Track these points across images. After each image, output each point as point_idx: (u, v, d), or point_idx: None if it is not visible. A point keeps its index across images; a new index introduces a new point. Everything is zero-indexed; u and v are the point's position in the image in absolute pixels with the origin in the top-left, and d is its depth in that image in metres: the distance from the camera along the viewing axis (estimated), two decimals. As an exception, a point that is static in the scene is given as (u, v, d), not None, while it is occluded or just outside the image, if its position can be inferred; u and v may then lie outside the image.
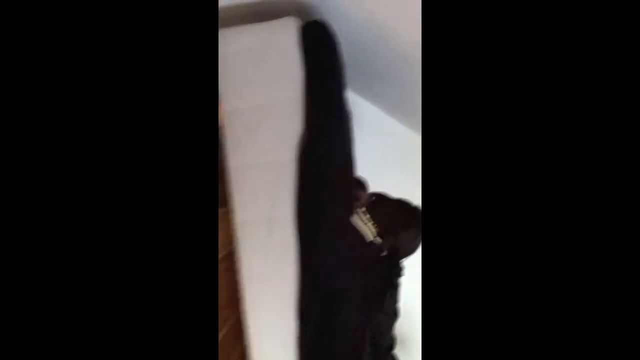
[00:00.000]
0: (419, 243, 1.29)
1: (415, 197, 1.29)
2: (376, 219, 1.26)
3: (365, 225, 1.25)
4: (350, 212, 1.21)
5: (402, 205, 1.33)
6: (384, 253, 1.25)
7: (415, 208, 1.32)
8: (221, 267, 1.23)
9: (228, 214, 1.21)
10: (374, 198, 1.33)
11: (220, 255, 1.24)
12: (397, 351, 1.30)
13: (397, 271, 1.28)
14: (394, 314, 1.27)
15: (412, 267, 1.33)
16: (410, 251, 1.30)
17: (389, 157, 1.95)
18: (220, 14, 1.29)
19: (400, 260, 1.29)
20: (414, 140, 2.01)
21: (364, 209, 1.27)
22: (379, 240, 1.24)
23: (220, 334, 1.21)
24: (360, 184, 1.40)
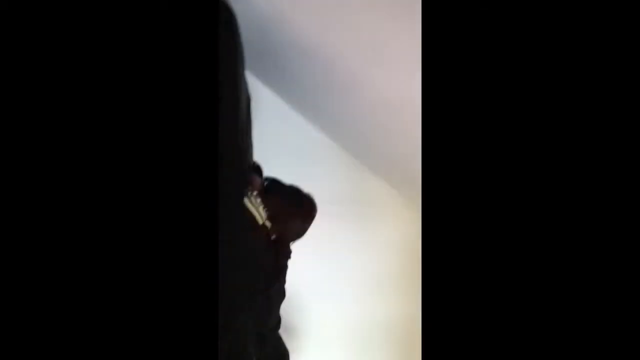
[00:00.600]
0: (306, 229, 1.35)
1: (305, 184, 1.35)
2: (267, 204, 1.28)
3: (255, 209, 1.26)
4: (242, 195, 1.21)
5: (293, 192, 1.37)
6: (273, 237, 1.28)
7: (305, 195, 1.37)
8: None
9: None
10: (266, 183, 1.35)
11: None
12: (284, 337, 1.35)
13: (285, 254, 1.32)
14: (281, 294, 1.31)
15: (299, 251, 1.38)
16: (298, 236, 1.35)
17: (285, 145, 1.99)
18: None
19: (288, 244, 1.33)
20: (308, 129, 2.07)
21: (255, 192, 1.29)
22: (268, 224, 1.27)
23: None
24: (256, 168, 1.41)
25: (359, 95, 1.57)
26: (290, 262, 1.34)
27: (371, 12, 1.13)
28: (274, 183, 1.38)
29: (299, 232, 1.35)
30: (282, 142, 1.95)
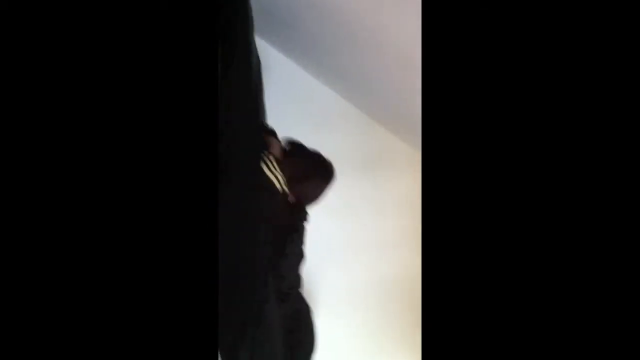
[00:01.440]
0: (323, 194, 1.35)
1: (319, 145, 1.34)
2: (285, 168, 1.29)
3: (274, 175, 1.27)
4: (259, 159, 1.22)
5: (313, 155, 1.35)
6: (291, 199, 1.30)
7: (325, 160, 1.36)
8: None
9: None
10: (288, 146, 1.34)
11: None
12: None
13: (302, 216, 1.34)
14: (299, 255, 1.35)
15: (313, 211, 1.40)
16: (315, 200, 1.35)
17: (297, 108, 1.97)
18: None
19: (305, 207, 1.35)
20: (320, 90, 2.04)
21: (272, 157, 1.30)
22: (286, 188, 1.28)
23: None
24: (270, 132, 1.41)
25: (375, 53, 1.52)
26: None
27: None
28: (294, 145, 1.37)
29: (317, 197, 1.36)
30: (293, 104, 1.94)
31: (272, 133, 1.41)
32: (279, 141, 1.39)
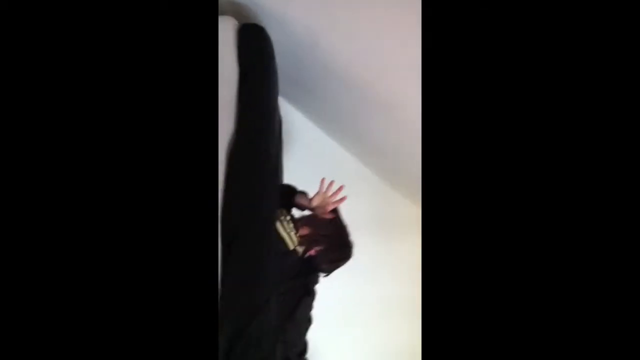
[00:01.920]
0: (339, 263, 1.30)
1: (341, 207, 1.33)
2: (301, 230, 1.26)
3: (287, 234, 1.26)
4: (274, 218, 1.21)
5: (341, 230, 1.30)
6: (303, 262, 1.26)
7: (348, 240, 1.31)
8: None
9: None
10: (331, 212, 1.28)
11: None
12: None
13: (314, 280, 1.30)
14: (307, 321, 1.29)
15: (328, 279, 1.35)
16: (328, 270, 1.30)
17: (316, 167, 2.00)
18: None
19: (318, 271, 1.31)
20: (338, 152, 2.07)
21: (288, 217, 1.28)
22: (299, 249, 1.26)
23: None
24: (292, 190, 1.40)
25: (392, 119, 1.56)
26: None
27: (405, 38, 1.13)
28: (335, 211, 1.30)
29: (331, 267, 1.31)
30: (311, 164, 1.96)
31: (291, 191, 1.40)
32: (306, 198, 1.36)
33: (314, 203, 1.29)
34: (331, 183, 1.27)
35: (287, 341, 1.21)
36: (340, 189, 1.25)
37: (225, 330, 1.06)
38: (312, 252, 1.26)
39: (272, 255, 1.16)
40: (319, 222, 1.28)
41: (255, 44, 1.20)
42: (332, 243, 1.28)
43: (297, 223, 1.27)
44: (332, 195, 1.27)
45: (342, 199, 1.26)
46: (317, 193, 1.28)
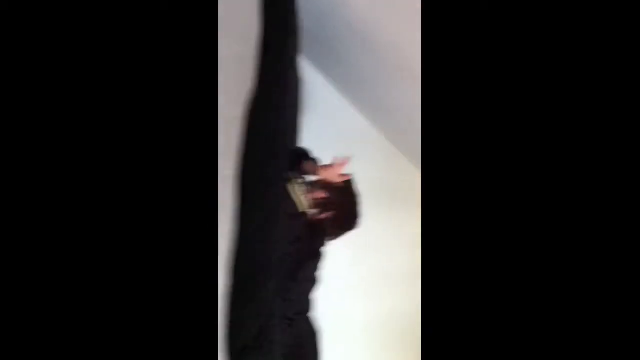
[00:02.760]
0: (344, 232, 1.31)
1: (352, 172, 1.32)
2: (314, 194, 1.26)
3: (298, 196, 1.26)
4: (284, 178, 1.21)
5: (352, 200, 1.31)
6: (311, 224, 1.27)
7: (355, 198, 1.32)
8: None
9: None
10: (344, 180, 1.29)
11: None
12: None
13: (320, 242, 1.32)
14: (312, 282, 1.32)
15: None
16: (334, 236, 1.31)
17: (332, 132, 1.97)
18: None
19: (325, 234, 1.32)
20: (355, 117, 2.04)
21: (300, 180, 1.28)
22: (309, 211, 1.26)
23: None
24: (305, 154, 1.40)
25: (414, 86, 1.53)
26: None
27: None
28: (348, 182, 1.31)
29: (336, 234, 1.32)
30: (329, 127, 1.94)
31: (306, 153, 1.40)
32: (314, 163, 1.37)
33: (320, 174, 1.30)
34: (343, 160, 1.28)
35: (289, 299, 1.23)
36: (345, 161, 1.26)
37: (230, 282, 1.09)
38: (322, 216, 1.27)
39: (279, 215, 1.17)
40: (333, 189, 1.29)
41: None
42: (342, 211, 1.28)
43: (313, 186, 1.28)
44: (337, 168, 1.27)
45: (346, 176, 1.27)
46: (326, 165, 1.29)
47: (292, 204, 1.24)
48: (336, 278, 1.58)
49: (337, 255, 1.41)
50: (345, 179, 1.28)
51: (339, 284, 1.77)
